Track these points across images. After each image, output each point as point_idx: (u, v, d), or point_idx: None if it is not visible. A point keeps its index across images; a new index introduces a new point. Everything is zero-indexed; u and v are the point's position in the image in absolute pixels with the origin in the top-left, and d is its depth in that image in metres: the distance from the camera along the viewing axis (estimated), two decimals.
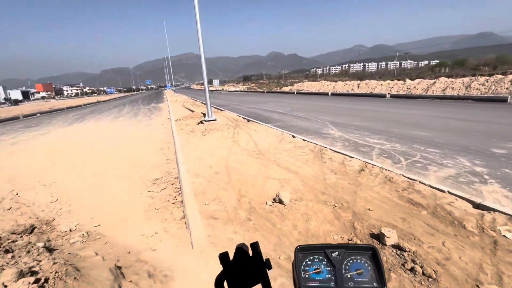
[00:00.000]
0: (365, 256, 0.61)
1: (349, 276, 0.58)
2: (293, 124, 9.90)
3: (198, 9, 9.38)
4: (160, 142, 8.29)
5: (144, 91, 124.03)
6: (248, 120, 10.69)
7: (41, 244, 2.43)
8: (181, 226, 3.31)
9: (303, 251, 0.62)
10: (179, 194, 4.26)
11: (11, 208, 4.35)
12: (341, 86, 32.12)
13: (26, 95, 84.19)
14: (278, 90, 45.79)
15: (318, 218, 3.03)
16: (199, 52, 9.87)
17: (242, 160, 5.27)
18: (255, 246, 0.55)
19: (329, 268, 0.60)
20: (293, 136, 7.18)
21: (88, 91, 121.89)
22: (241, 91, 55.22)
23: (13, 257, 2.27)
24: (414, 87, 21.37)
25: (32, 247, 2.51)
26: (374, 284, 0.57)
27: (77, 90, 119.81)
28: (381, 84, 26.13)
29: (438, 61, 79.53)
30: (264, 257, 0.55)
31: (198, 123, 10.19)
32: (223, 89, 73.44)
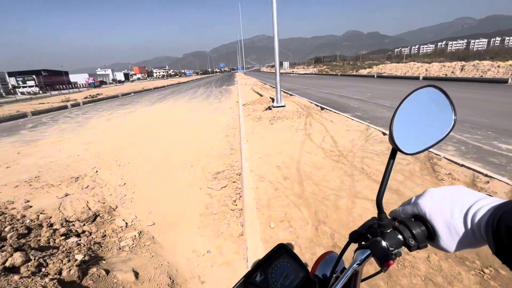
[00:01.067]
0: (281, 257, 0.62)
1: (279, 286, 0.58)
2: (378, 115, 8.06)
3: None
4: (226, 128, 7.91)
5: (218, 73, 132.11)
6: (322, 108, 9.31)
7: (80, 257, 2.05)
8: (238, 249, 2.60)
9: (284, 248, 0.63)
10: (240, 198, 3.59)
11: (88, 186, 4.54)
12: (436, 69, 25.97)
13: (126, 77, 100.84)
14: (354, 73, 41.11)
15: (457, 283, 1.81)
16: (273, 34, 8.85)
17: (317, 163, 4.21)
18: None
19: None
20: (384, 134, 5.61)
21: (171, 73, 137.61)
22: (311, 73, 52.08)
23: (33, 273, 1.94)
24: None
25: (69, 255, 2.17)
26: (300, 274, 0.59)
27: (163, 72, 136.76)
28: (498, 66, 19.66)
29: None
30: None
31: (266, 109, 9.43)
32: (292, 71, 71.08)
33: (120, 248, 2.68)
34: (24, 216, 3.39)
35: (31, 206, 3.73)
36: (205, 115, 10.71)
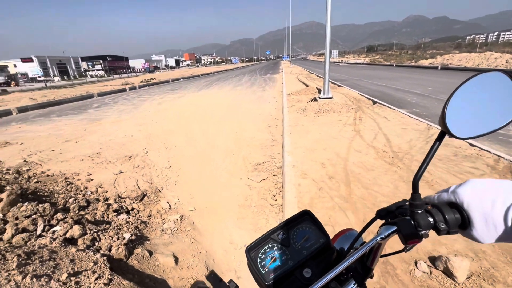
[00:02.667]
0: (304, 222, 0.65)
1: (299, 247, 0.61)
2: None
3: None
4: (269, 118, 7.78)
5: (263, 61, 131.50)
6: (374, 102, 8.49)
7: (127, 236, 2.17)
8: None
9: (253, 249, 0.62)
10: (279, 193, 3.46)
11: (138, 166, 4.90)
12: None
13: (177, 63, 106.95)
14: (413, 63, 36.83)
15: None
16: (325, 20, 8.21)
17: (368, 164, 3.82)
18: (213, 275, 0.67)
19: (281, 251, 0.61)
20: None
21: (218, 60, 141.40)
22: (362, 63, 48.31)
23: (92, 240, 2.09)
24: None
25: (118, 233, 2.31)
26: (320, 240, 0.61)
27: (211, 59, 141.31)
28: None
29: None
30: None
31: (311, 100, 8.99)
32: (341, 60, 66.92)
33: (163, 230, 2.81)
34: (86, 188, 3.80)
35: (92, 179, 4.16)
36: (248, 103, 10.71)
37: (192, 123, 7.92)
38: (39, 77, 51.69)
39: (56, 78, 52.99)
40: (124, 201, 3.51)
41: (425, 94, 10.10)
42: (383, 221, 0.56)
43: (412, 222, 0.49)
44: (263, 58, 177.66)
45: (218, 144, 5.77)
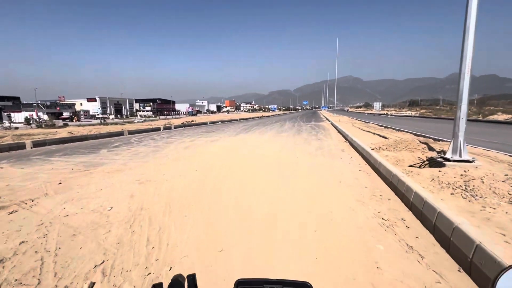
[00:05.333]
0: None
1: None
2: None
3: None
4: (359, 189, 4.21)
5: (300, 110, 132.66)
6: None
7: None
8: None
9: (243, 285, 0.59)
10: None
11: None
12: None
13: (218, 108, 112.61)
14: (480, 118, 31.61)
15: None
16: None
17: None
18: (192, 277, 0.61)
19: None
20: None
21: (256, 108, 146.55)
22: (411, 116, 43.72)
23: None
24: None
25: None
26: None
27: (250, 106, 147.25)
28: None
29: None
30: None
31: (425, 163, 5.30)
32: (386, 113, 62.54)
33: None
34: None
35: None
36: (305, 156, 7.36)
37: (223, 182, 4.71)
38: (98, 114, 56.74)
39: (111, 116, 57.59)
40: None
41: None
42: None
43: None
44: (300, 108, 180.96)
45: (280, 254, 2.29)
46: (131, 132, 16.01)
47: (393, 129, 13.83)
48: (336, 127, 15.55)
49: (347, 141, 9.60)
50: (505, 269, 0.51)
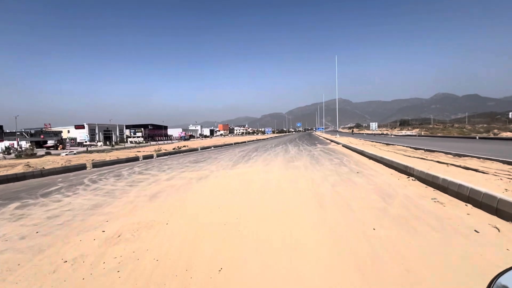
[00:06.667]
0: None
1: None
2: None
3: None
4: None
5: (293, 132, 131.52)
6: None
7: None
8: None
9: None
10: None
11: None
12: None
13: (211, 132, 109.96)
14: (491, 135, 29.62)
15: None
16: None
17: None
18: None
19: None
20: None
21: (250, 131, 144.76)
22: (411, 135, 41.65)
23: None
24: None
25: None
26: None
27: (243, 129, 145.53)
28: None
29: None
30: None
31: None
32: (388, 132, 60.88)
33: None
34: None
35: None
36: (347, 199, 4.06)
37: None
38: (85, 142, 52.75)
39: (99, 143, 53.55)
40: None
41: None
42: None
43: None
44: (292, 130, 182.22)
45: None
46: (96, 165, 12.45)
47: (431, 150, 10.77)
48: (363, 153, 12.32)
49: (410, 177, 6.31)
50: (502, 272, 0.51)
